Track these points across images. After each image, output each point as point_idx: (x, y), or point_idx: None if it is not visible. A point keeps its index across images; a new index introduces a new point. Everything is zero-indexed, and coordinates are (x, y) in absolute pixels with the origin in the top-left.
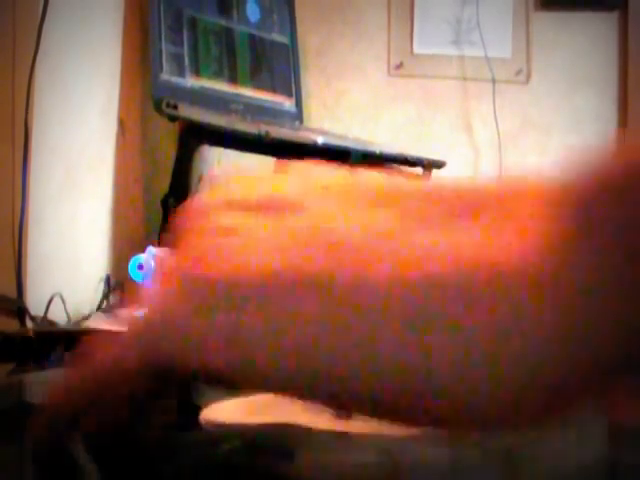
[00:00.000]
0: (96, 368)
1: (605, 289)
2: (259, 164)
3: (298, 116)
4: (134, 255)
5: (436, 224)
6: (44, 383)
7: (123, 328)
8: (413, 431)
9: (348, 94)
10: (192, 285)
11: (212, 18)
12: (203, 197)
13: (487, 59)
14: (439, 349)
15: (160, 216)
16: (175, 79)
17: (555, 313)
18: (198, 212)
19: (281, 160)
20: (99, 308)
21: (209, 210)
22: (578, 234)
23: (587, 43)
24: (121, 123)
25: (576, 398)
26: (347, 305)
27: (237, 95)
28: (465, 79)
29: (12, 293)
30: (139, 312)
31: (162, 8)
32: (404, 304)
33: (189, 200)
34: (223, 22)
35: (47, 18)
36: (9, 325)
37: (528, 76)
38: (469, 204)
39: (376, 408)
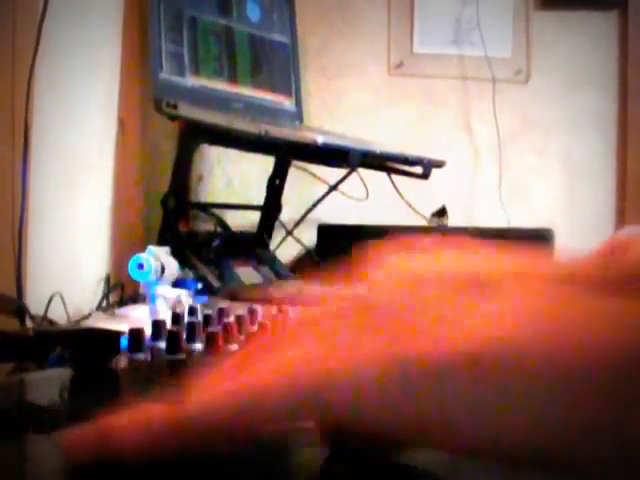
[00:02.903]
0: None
1: None
2: (261, 165)
3: (298, 115)
4: (134, 255)
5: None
6: (44, 383)
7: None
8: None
9: (348, 94)
10: (405, 362)
11: (212, 17)
12: (398, 272)
13: (487, 59)
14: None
15: (160, 216)
16: (175, 78)
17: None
18: (400, 287)
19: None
20: (99, 307)
21: (411, 286)
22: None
23: (587, 42)
24: (121, 123)
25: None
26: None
27: (237, 94)
28: (465, 78)
29: (12, 292)
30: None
31: (162, 7)
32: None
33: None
34: (223, 21)
35: (47, 18)
36: (9, 324)
37: (528, 76)
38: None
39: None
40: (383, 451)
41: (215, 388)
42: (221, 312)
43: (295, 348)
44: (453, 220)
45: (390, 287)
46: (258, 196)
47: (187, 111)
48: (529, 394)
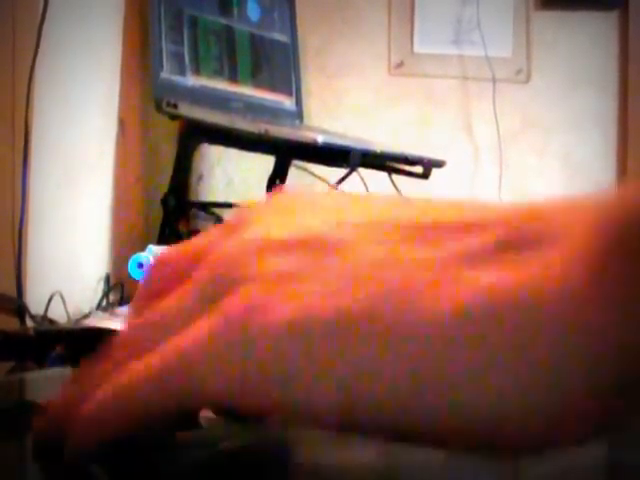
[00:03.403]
0: (120, 399)
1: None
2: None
3: (298, 115)
4: (134, 254)
5: (481, 259)
6: (44, 382)
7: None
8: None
9: (348, 93)
10: (250, 331)
11: (212, 17)
12: (235, 240)
13: (487, 58)
14: (484, 379)
15: (160, 215)
16: (175, 78)
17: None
18: (238, 256)
19: (276, 187)
20: (99, 307)
21: (248, 255)
22: (602, 274)
23: (587, 43)
24: (121, 123)
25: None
26: (399, 342)
27: (237, 94)
28: (465, 78)
29: (12, 292)
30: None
31: (162, 7)
32: (447, 339)
33: (226, 243)
34: (223, 21)
35: (47, 18)
36: (9, 324)
37: (528, 76)
38: (515, 234)
39: (423, 437)
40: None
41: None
42: None
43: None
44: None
45: (248, 254)
46: (258, 196)
47: (187, 111)
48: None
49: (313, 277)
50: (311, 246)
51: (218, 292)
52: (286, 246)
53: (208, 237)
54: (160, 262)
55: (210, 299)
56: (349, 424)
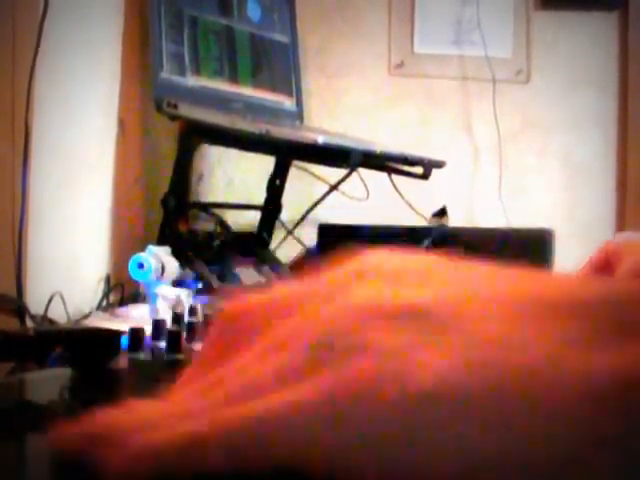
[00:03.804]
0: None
1: None
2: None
3: (298, 115)
4: (134, 254)
5: (605, 343)
6: (44, 382)
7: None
8: None
9: (348, 93)
10: (374, 402)
11: (213, 17)
12: (341, 304)
13: (487, 59)
14: None
15: (160, 216)
16: (175, 78)
17: None
18: (350, 322)
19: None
20: (99, 307)
21: (362, 322)
22: None
23: (587, 43)
24: (121, 123)
25: None
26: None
27: (237, 94)
28: (465, 79)
29: (12, 292)
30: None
31: (162, 7)
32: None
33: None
34: (224, 21)
35: (47, 18)
36: (9, 324)
37: (528, 76)
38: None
39: None
40: None
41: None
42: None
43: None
44: (453, 220)
45: (353, 321)
46: (258, 196)
47: (187, 111)
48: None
49: (435, 350)
50: (426, 319)
51: (328, 357)
52: (403, 316)
53: (284, 292)
54: (229, 315)
55: (317, 363)
56: None
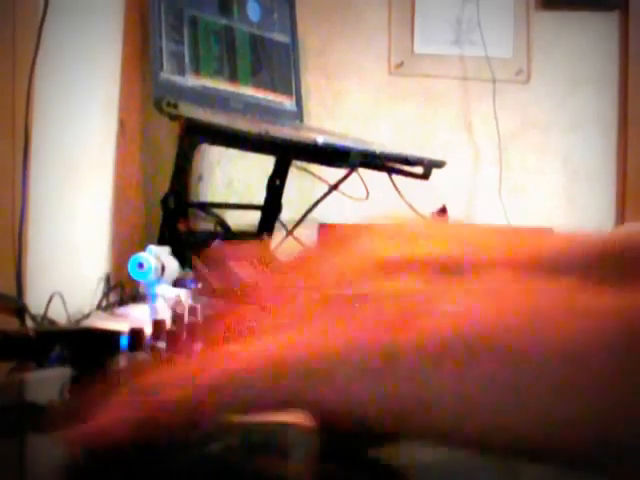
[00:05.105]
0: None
1: None
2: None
3: (298, 115)
4: (134, 254)
5: (607, 287)
6: (44, 382)
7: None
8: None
9: (348, 93)
10: (390, 351)
11: (213, 17)
12: (356, 257)
13: (487, 59)
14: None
15: (160, 216)
16: (175, 78)
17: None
18: (359, 273)
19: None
20: (99, 307)
21: (375, 271)
22: None
23: (587, 43)
24: (121, 123)
25: None
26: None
27: (237, 94)
28: (465, 79)
29: (12, 292)
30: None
31: (163, 7)
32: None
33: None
34: (224, 21)
35: (47, 18)
36: (9, 324)
37: (528, 76)
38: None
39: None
40: (368, 443)
41: (200, 376)
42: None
43: (276, 333)
44: (453, 220)
45: (364, 273)
46: (258, 196)
47: (187, 111)
48: (519, 381)
49: (452, 296)
50: (443, 268)
51: (345, 303)
52: (420, 266)
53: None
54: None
55: (335, 309)
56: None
